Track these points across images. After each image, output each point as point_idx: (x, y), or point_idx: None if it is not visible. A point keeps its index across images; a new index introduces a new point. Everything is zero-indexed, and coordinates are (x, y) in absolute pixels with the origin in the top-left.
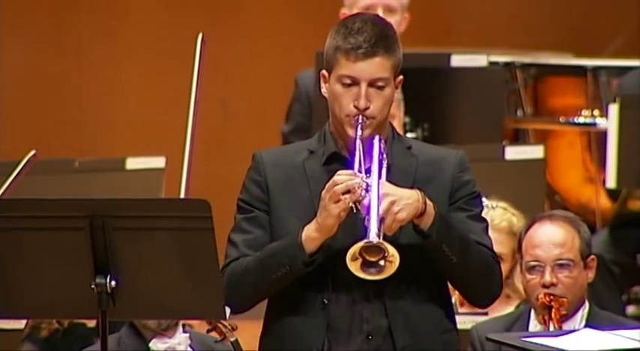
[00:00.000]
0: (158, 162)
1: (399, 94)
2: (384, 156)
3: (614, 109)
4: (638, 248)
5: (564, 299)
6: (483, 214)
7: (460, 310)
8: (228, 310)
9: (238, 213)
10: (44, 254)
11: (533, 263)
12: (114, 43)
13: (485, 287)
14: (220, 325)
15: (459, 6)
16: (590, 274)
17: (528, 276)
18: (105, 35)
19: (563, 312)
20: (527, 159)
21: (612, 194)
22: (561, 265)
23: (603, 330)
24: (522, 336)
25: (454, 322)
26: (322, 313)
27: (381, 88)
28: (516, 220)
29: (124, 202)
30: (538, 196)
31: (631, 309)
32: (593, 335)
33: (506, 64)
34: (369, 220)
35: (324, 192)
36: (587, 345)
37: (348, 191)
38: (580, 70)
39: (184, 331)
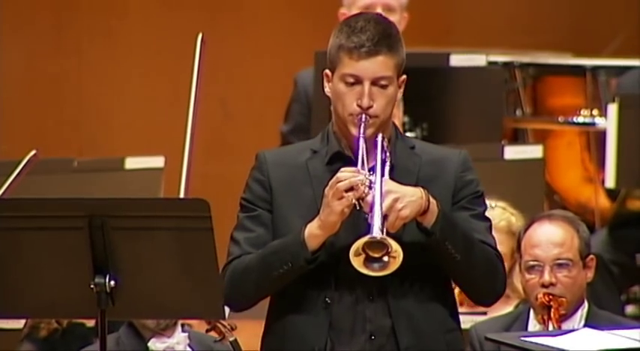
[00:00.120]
0: (157, 162)
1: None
2: (387, 154)
3: (613, 108)
4: (637, 248)
5: (563, 299)
6: None
7: (459, 309)
8: (227, 309)
9: (241, 212)
10: (43, 254)
11: (532, 263)
12: (113, 43)
13: (489, 285)
14: (219, 325)
15: (458, 6)
16: (590, 274)
17: (527, 276)
18: (104, 35)
19: (562, 312)
20: (527, 159)
21: (611, 194)
22: (560, 265)
23: (602, 330)
24: (521, 336)
25: (458, 322)
26: (324, 313)
27: (384, 86)
28: (515, 219)
29: (123, 202)
30: (537, 195)
31: (630, 309)
32: (593, 335)
33: (506, 64)
34: (372, 217)
35: (327, 189)
36: (586, 345)
37: (351, 188)
38: (579, 70)
39: (183, 331)
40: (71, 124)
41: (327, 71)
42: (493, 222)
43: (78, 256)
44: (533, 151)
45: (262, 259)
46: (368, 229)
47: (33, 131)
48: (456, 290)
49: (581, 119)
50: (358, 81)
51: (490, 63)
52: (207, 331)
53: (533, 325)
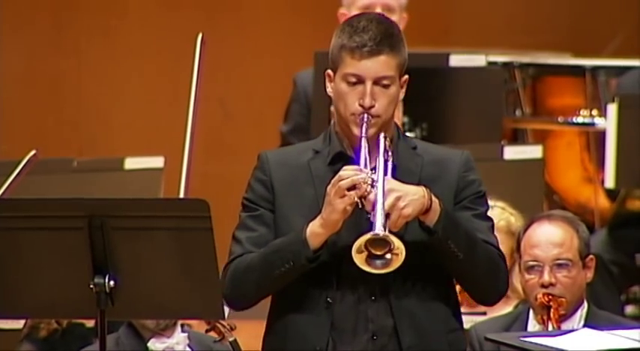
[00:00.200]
0: (157, 162)
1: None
2: (390, 154)
3: (612, 108)
4: (636, 248)
5: (563, 299)
6: None
7: None
8: (227, 309)
9: (243, 211)
10: (43, 254)
11: (531, 263)
12: (113, 43)
13: (491, 284)
14: (219, 325)
15: (457, 6)
16: (589, 274)
17: (527, 276)
18: (104, 35)
19: (562, 312)
20: (526, 159)
21: (611, 194)
22: (560, 265)
23: (602, 330)
24: (521, 336)
25: (461, 322)
26: (326, 312)
27: (386, 86)
28: (514, 219)
29: (122, 202)
30: (537, 196)
31: (630, 309)
32: (592, 335)
33: (505, 64)
34: (374, 215)
35: (329, 187)
36: (585, 345)
37: (353, 187)
38: (579, 70)
39: (183, 331)
40: (71, 124)
41: (329, 71)
42: None
43: (77, 256)
44: (532, 152)
45: (264, 258)
46: (370, 227)
47: (32, 131)
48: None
49: (580, 119)
50: (360, 80)
51: (489, 63)
52: (207, 331)
53: (532, 325)
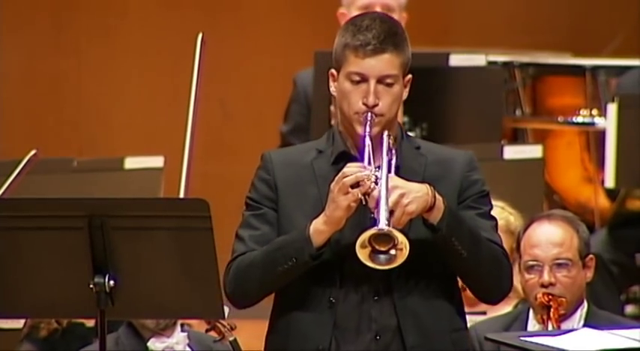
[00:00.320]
0: (157, 161)
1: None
2: (393, 152)
3: (612, 108)
4: (636, 248)
5: (563, 299)
6: None
7: None
8: (226, 309)
9: (246, 210)
10: (43, 254)
11: (531, 263)
12: (113, 43)
13: (495, 282)
14: (219, 325)
15: (457, 5)
16: (589, 274)
17: (527, 275)
18: (104, 35)
19: (562, 311)
20: (526, 158)
21: (611, 194)
22: (560, 265)
23: (602, 329)
24: (521, 335)
25: (464, 321)
26: (329, 312)
27: (389, 85)
28: (513, 219)
29: (122, 202)
30: (537, 195)
31: (629, 308)
32: (592, 335)
33: (505, 64)
34: (378, 212)
35: (333, 184)
36: (585, 344)
37: (357, 184)
38: (579, 70)
39: (182, 331)
40: (71, 124)
41: (333, 71)
42: None
43: (77, 256)
44: (532, 151)
45: (267, 255)
46: (374, 223)
47: (32, 131)
48: None
49: (580, 119)
50: (364, 79)
51: (489, 63)
52: (207, 330)
53: (532, 324)
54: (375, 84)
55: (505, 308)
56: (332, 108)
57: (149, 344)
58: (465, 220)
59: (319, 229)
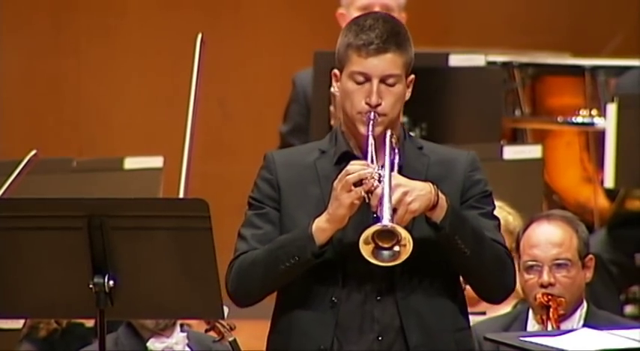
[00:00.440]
0: (156, 162)
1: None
2: (396, 151)
3: (612, 108)
4: (636, 248)
5: (562, 299)
6: None
7: None
8: (226, 309)
9: (249, 210)
10: (42, 254)
11: (531, 263)
12: (112, 43)
13: (498, 281)
14: (219, 325)
15: (456, 6)
16: (588, 274)
17: (526, 276)
18: (103, 35)
19: (561, 312)
20: (525, 159)
21: (610, 194)
22: (559, 265)
23: (601, 330)
24: (520, 336)
25: (467, 320)
26: (331, 311)
27: (392, 85)
28: (512, 218)
29: (122, 202)
30: (536, 195)
31: (629, 309)
32: (591, 335)
33: (504, 64)
34: (381, 210)
35: (336, 182)
36: (585, 345)
37: (360, 182)
38: (578, 70)
39: (182, 331)
40: (70, 124)
41: (336, 71)
42: None
43: (77, 256)
44: (532, 151)
45: (269, 253)
46: (377, 221)
47: (32, 131)
48: None
49: (580, 119)
50: (367, 79)
51: (489, 63)
52: (207, 331)
53: (532, 325)
54: (377, 83)
55: (504, 308)
56: (331, 108)
57: (148, 344)
58: (468, 219)
59: (322, 227)
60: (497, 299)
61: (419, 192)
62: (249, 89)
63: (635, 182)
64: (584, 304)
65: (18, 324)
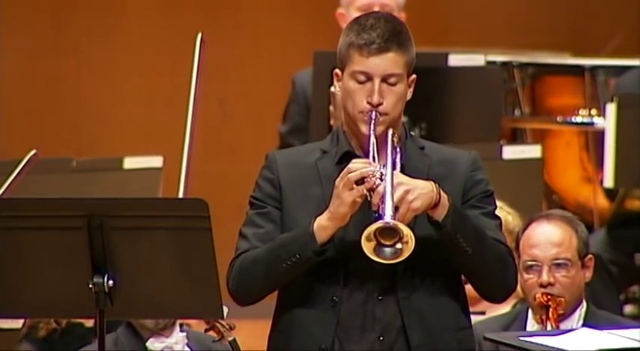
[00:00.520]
0: (156, 161)
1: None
2: (398, 150)
3: (611, 108)
4: (635, 248)
5: (562, 299)
6: None
7: None
8: (225, 309)
9: (250, 209)
10: (42, 254)
11: (530, 263)
12: (112, 43)
13: (500, 280)
14: (218, 325)
15: (456, 5)
16: (588, 274)
17: (526, 275)
18: (103, 35)
19: (561, 311)
20: (525, 158)
21: (610, 194)
22: (559, 265)
23: (601, 329)
24: (520, 335)
25: (469, 320)
26: (332, 311)
27: (394, 84)
28: (511, 218)
29: (121, 202)
30: (536, 195)
31: (628, 308)
32: (591, 335)
33: (504, 64)
34: (383, 208)
35: (337, 180)
36: (584, 344)
37: (362, 180)
38: (578, 70)
39: (182, 331)
40: (70, 124)
41: (337, 70)
42: None
43: (77, 256)
44: (531, 151)
45: (270, 252)
46: (379, 218)
47: (32, 131)
48: None
49: (579, 119)
50: (368, 78)
51: (488, 63)
52: (206, 330)
53: (531, 324)
54: (379, 83)
55: (504, 308)
56: (331, 108)
57: (148, 344)
58: (470, 218)
59: (323, 225)
60: (498, 298)
61: (421, 190)
62: (249, 89)
63: (634, 182)
64: (584, 303)
65: (17, 324)
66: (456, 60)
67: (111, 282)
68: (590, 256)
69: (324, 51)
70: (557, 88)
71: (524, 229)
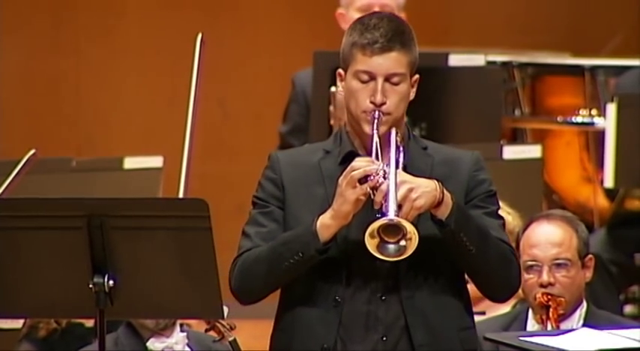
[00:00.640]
0: (156, 161)
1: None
2: (401, 149)
3: (611, 108)
4: (635, 248)
5: (562, 299)
6: None
7: None
8: (226, 309)
9: (253, 209)
10: (42, 254)
11: (530, 263)
12: (111, 43)
13: (504, 279)
14: (219, 325)
15: (456, 5)
16: (588, 274)
17: (526, 275)
18: (103, 35)
19: (561, 311)
20: (525, 158)
21: (610, 194)
22: (559, 265)
23: (601, 329)
24: (520, 335)
25: (472, 320)
26: (334, 310)
27: (397, 83)
28: (512, 218)
29: (121, 202)
30: (536, 195)
31: (628, 308)
32: (591, 335)
33: (504, 64)
34: (387, 206)
35: (341, 178)
36: (584, 344)
37: (365, 179)
38: (578, 70)
39: (182, 331)
40: (69, 124)
41: (340, 70)
42: None
43: (77, 256)
44: (531, 151)
45: (273, 251)
46: (382, 216)
47: (31, 131)
48: None
49: (579, 119)
50: (372, 77)
51: (489, 63)
52: (207, 330)
53: (531, 324)
54: (382, 82)
55: (504, 308)
56: (331, 108)
57: (148, 344)
58: (473, 217)
59: (326, 223)
60: (502, 298)
61: (424, 189)
62: (249, 89)
63: (634, 182)
64: (584, 303)
65: (17, 324)
66: (456, 60)
67: (111, 282)
68: (590, 256)
69: (324, 51)
70: (557, 88)
71: (525, 229)
